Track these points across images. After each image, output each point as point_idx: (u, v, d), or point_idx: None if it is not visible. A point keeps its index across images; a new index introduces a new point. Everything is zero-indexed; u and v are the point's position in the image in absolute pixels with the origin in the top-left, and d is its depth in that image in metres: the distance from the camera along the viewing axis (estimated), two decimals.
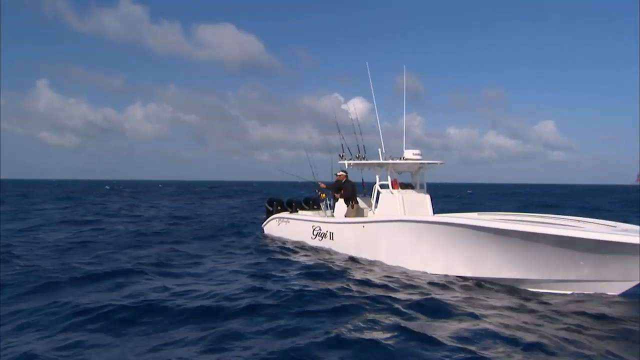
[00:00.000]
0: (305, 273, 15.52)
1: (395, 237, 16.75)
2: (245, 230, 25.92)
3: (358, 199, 20.95)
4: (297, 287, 13.42)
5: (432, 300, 12.37)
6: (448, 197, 72.84)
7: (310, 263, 17.19)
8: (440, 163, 19.17)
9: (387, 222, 17.41)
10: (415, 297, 12.72)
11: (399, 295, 12.91)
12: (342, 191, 20.18)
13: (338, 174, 20.48)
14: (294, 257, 18.43)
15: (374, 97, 19.91)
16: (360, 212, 20.09)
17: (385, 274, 15.62)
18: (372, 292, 13.26)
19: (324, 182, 21.31)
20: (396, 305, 11.89)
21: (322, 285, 13.94)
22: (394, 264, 16.82)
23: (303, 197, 23.65)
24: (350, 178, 20.63)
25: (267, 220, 23.28)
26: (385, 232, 17.23)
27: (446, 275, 15.07)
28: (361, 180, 21.71)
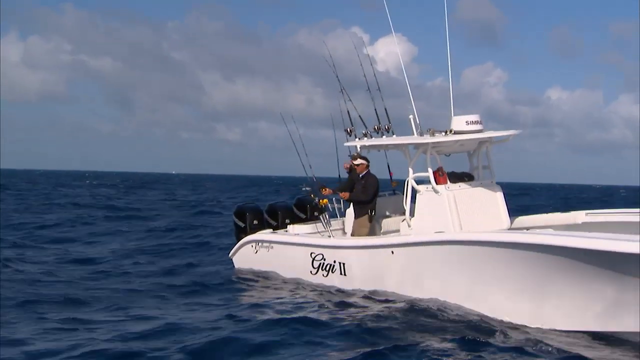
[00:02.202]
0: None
1: (448, 270, 10.38)
2: (199, 262, 17.09)
3: (384, 200, 13.22)
4: None
5: None
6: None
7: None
8: (514, 134, 11.36)
9: (432, 244, 10.63)
10: None
11: None
12: (362, 190, 12.46)
13: (355, 163, 12.70)
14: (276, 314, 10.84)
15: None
16: (374, 227, 12.52)
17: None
18: None
19: (340, 183, 13.54)
20: None
21: None
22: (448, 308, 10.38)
23: (295, 199, 15.18)
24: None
25: (237, 246, 14.82)
26: (429, 262, 10.65)
27: (539, 329, 9.53)
28: (388, 171, 13.84)
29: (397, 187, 13.54)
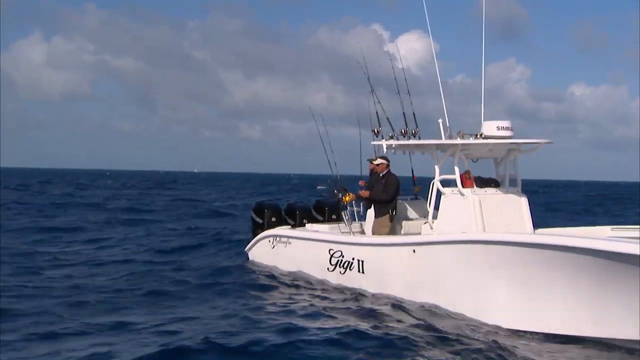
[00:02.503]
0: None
1: (471, 270, 10.06)
2: (215, 256, 17.05)
3: (405, 204, 13.14)
4: None
5: None
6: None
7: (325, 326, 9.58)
8: (546, 142, 11.27)
9: (455, 243, 10.44)
10: None
11: None
12: (383, 189, 12.38)
13: (374, 162, 12.65)
14: (293, 314, 10.74)
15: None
16: (395, 228, 12.30)
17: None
18: None
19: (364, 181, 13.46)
20: None
21: None
22: (471, 316, 10.11)
23: (313, 201, 15.10)
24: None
25: (254, 240, 14.92)
26: (451, 261, 10.37)
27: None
28: (411, 174, 13.75)
29: (419, 192, 13.46)
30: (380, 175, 12.53)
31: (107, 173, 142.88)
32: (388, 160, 12.57)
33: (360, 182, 13.45)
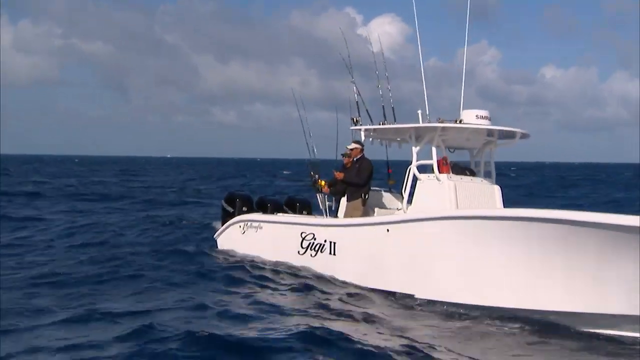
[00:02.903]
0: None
1: (447, 247, 10.03)
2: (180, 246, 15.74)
3: (379, 194, 13.12)
4: None
5: None
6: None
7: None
8: (522, 134, 11.43)
9: (430, 220, 10.41)
10: None
11: None
12: (356, 173, 12.36)
13: (349, 147, 12.66)
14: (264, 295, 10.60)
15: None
16: (367, 212, 12.29)
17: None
18: None
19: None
20: None
21: None
22: (453, 294, 9.97)
23: (285, 197, 14.87)
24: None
25: (223, 227, 14.57)
26: (427, 239, 10.29)
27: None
28: (386, 163, 13.76)
29: (393, 185, 13.48)
30: (355, 159, 12.55)
31: (76, 160, 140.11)
32: (362, 145, 12.59)
33: (336, 172, 13.43)
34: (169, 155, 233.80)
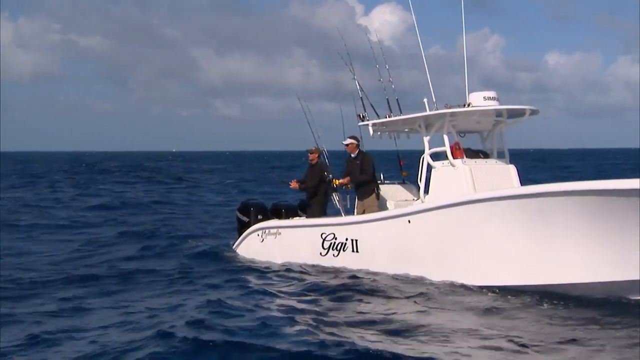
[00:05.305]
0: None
1: (472, 231, 10.17)
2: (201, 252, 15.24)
3: (394, 187, 13.07)
4: None
5: None
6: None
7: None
8: (532, 111, 11.41)
9: (451, 207, 10.52)
10: None
11: None
12: (360, 170, 12.32)
13: (344, 143, 12.62)
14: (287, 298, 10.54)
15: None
16: (383, 206, 12.29)
17: None
18: None
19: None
20: None
21: None
22: (478, 278, 10.11)
23: (298, 201, 14.83)
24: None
25: (241, 237, 14.41)
26: (450, 226, 10.46)
27: None
28: (397, 155, 13.72)
29: (407, 176, 13.43)
30: (353, 156, 12.47)
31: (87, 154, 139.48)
32: (358, 140, 12.54)
33: (292, 184, 13.51)
34: (174, 150, 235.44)
